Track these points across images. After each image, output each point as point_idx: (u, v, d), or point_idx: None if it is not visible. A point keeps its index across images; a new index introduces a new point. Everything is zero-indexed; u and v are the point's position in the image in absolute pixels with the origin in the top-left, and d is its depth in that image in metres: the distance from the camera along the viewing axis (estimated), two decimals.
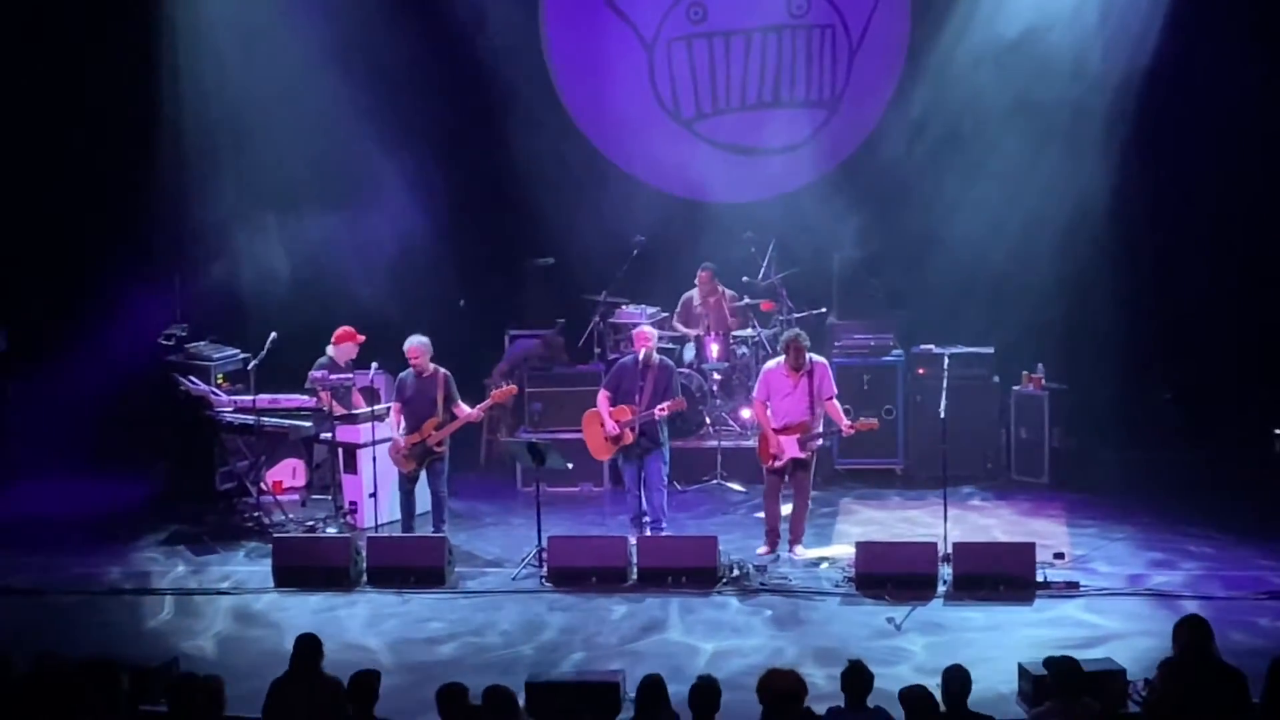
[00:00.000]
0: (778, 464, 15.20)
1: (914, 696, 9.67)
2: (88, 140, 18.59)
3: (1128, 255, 18.17)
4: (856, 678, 9.92)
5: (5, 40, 18.55)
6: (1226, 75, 17.66)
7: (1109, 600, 13.83)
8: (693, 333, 18.55)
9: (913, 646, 13.06)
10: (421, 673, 12.41)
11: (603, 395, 15.65)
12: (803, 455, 15.15)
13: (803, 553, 15.22)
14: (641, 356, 15.48)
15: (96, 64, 18.54)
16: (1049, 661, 10.17)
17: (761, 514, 15.74)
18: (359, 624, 13.87)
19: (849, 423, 15.28)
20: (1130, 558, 15.09)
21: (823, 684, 11.43)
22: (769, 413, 15.22)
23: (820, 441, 15.45)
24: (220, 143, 18.54)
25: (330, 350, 16.68)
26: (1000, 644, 12.88)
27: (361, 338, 16.75)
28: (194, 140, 18.58)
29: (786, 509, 15.46)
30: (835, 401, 15.36)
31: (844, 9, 19.69)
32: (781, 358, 15.36)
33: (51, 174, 18.74)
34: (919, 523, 16.21)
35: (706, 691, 9.63)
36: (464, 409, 15.66)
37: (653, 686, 9.87)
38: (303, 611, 14.12)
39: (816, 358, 15.35)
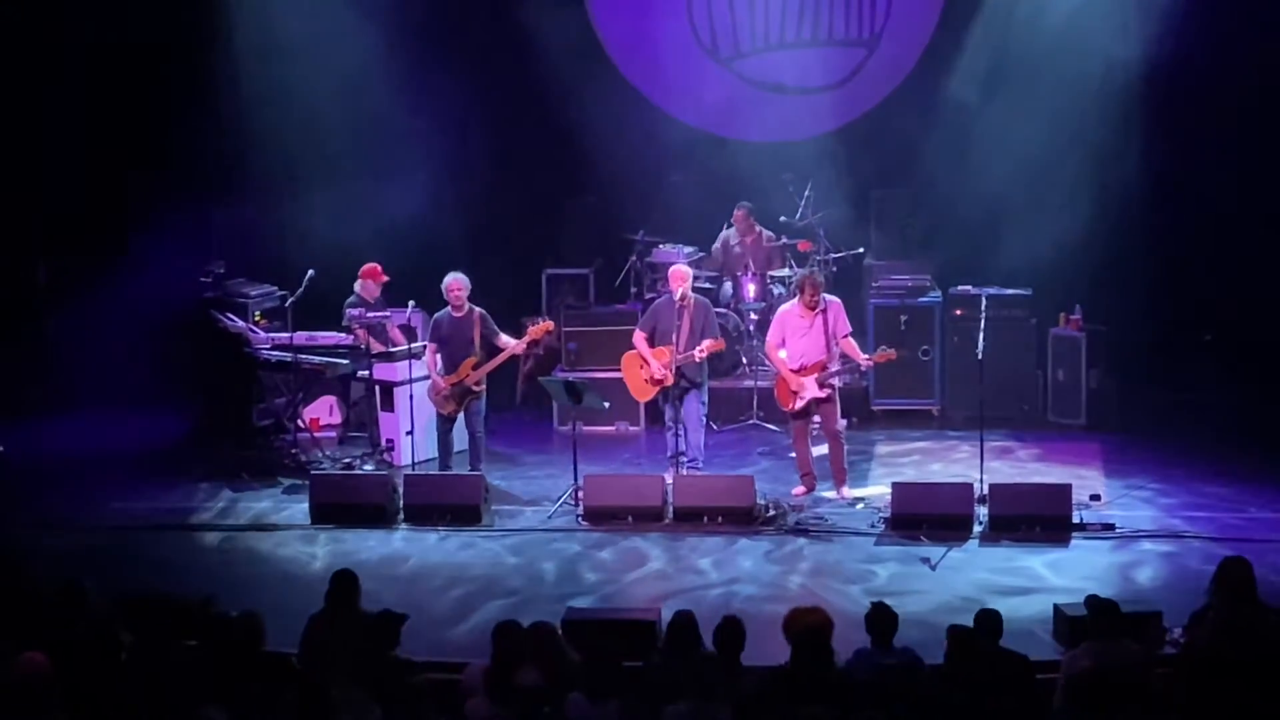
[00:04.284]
0: (799, 404, 15.16)
1: (956, 635, 9.70)
2: (129, 75, 18.55)
3: (1167, 195, 18.07)
4: (881, 618, 9.93)
5: None
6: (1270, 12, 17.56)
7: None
8: (726, 277, 18.51)
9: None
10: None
11: (639, 336, 15.59)
12: (822, 394, 15.09)
13: (849, 493, 15.22)
14: (678, 296, 15.41)
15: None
16: (1089, 601, 10.15)
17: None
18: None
19: (866, 357, 15.24)
20: (1161, 500, 15.05)
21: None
22: (784, 354, 15.17)
23: (838, 379, 15.39)
24: (262, 81, 18.46)
25: (356, 286, 16.71)
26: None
27: (385, 278, 16.74)
28: (236, 78, 18.53)
29: (818, 450, 15.48)
30: (851, 339, 15.29)
31: None
32: (795, 299, 15.30)
33: (91, 108, 18.72)
34: (955, 463, 16.19)
35: (734, 628, 9.74)
36: (506, 340, 15.62)
37: (684, 625, 9.91)
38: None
39: (829, 296, 15.27)
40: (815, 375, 15.04)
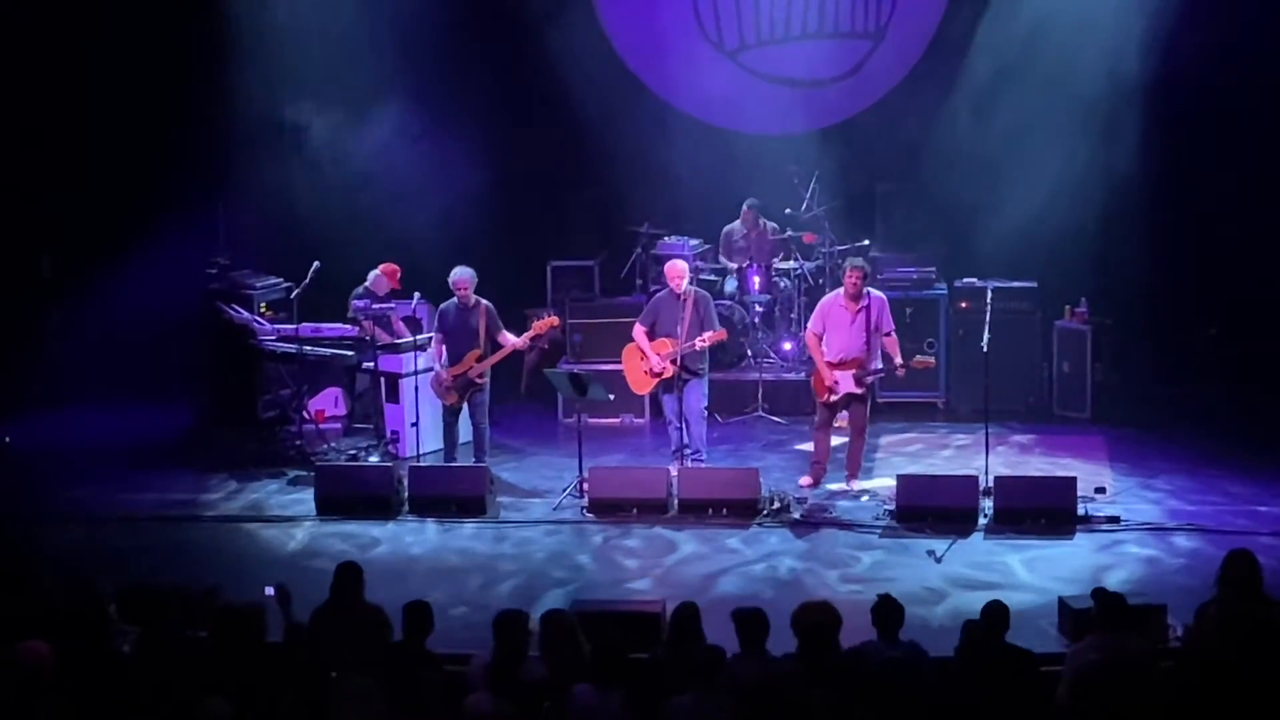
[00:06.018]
0: (833, 399, 15.11)
1: (968, 630, 9.70)
2: (132, 65, 18.53)
3: (1172, 188, 18.04)
4: (887, 611, 9.91)
5: None
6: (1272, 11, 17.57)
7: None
8: (734, 265, 18.51)
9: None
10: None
11: (639, 329, 15.55)
12: (858, 391, 15.03)
13: (857, 485, 15.20)
14: (680, 290, 15.38)
15: None
16: (1096, 594, 10.12)
17: (801, 446, 15.74)
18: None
19: (900, 361, 15.13)
20: (1166, 494, 15.03)
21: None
22: (823, 345, 15.10)
23: (875, 376, 15.35)
24: (264, 74, 18.43)
25: (369, 278, 16.70)
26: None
27: (398, 285, 16.72)
28: (241, 69, 18.50)
29: (834, 442, 15.46)
30: (894, 336, 15.22)
31: None
32: (840, 290, 15.22)
33: (96, 100, 18.71)
34: (960, 456, 16.19)
35: (755, 619, 9.70)
36: (509, 337, 15.63)
37: (687, 617, 9.89)
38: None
39: (875, 292, 15.17)
40: (853, 372, 14.97)
